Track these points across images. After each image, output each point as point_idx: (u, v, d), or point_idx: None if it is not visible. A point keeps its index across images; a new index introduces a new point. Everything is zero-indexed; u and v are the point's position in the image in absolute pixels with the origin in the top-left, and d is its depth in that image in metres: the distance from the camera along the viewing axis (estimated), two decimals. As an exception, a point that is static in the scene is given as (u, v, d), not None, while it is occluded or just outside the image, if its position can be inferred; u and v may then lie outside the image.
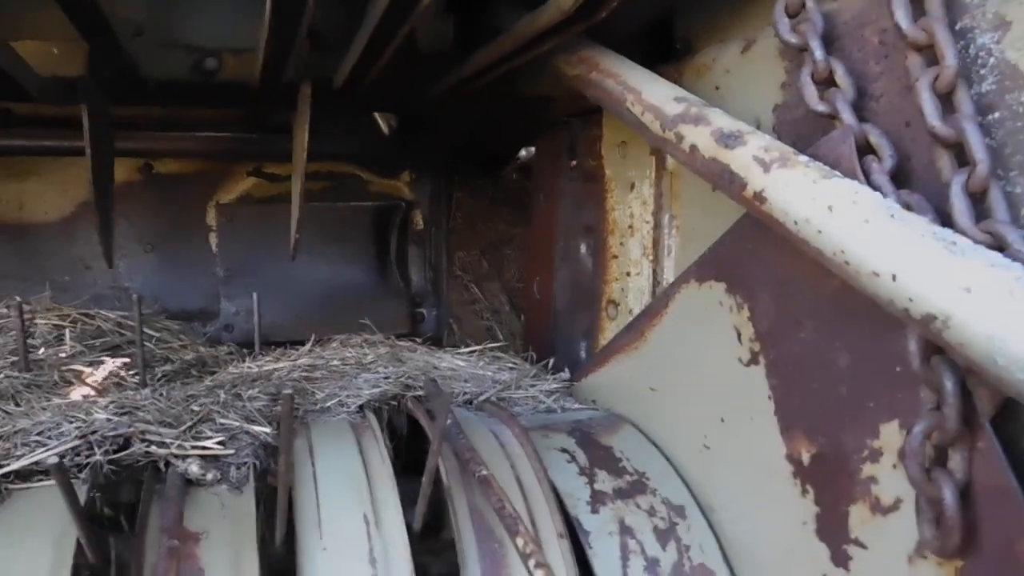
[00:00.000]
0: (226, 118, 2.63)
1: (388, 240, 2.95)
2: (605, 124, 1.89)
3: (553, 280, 2.27)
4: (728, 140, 1.19)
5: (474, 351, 2.01)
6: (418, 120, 2.77)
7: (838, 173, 1.05)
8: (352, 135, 2.78)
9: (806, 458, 1.20)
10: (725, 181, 1.18)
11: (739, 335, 1.35)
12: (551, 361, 2.10)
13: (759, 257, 1.29)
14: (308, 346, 1.90)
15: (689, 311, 1.49)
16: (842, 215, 0.98)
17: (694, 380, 1.48)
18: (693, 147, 1.25)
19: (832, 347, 1.15)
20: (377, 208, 2.95)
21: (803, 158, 1.10)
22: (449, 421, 1.44)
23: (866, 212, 0.96)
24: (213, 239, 2.82)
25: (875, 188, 1.05)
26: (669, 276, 1.67)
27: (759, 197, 1.12)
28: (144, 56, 1.90)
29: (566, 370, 2.04)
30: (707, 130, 1.24)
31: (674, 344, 1.54)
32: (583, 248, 2.14)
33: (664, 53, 1.72)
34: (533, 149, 3.27)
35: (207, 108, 2.42)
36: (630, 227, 1.79)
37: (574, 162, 2.18)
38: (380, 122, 2.74)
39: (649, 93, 1.38)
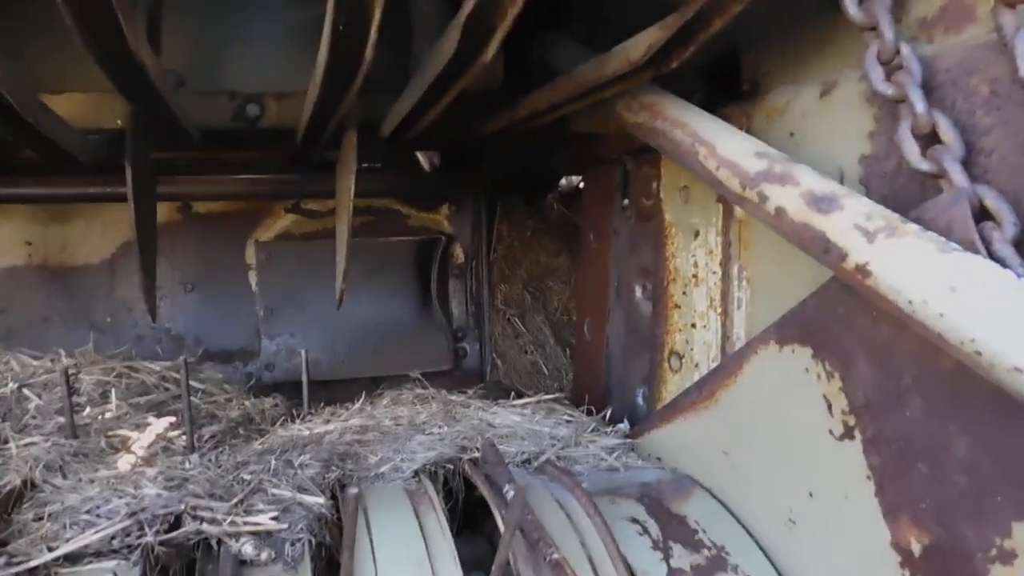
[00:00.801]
0: (265, 157, 2.58)
1: (429, 274, 2.88)
2: (664, 166, 1.80)
3: (606, 322, 2.18)
4: (822, 204, 1.09)
5: (528, 403, 1.92)
6: (460, 155, 2.70)
7: (957, 246, 0.94)
8: (393, 171, 2.72)
9: (917, 549, 1.09)
10: (819, 249, 1.08)
11: (829, 406, 1.24)
12: (608, 413, 2.00)
13: (853, 324, 1.19)
14: (358, 405, 1.82)
15: (768, 375, 1.38)
16: (970, 297, 0.87)
17: (775, 448, 1.37)
18: (780, 210, 1.14)
19: (946, 430, 1.04)
20: (417, 242, 2.88)
21: (913, 227, 0.99)
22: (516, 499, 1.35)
23: (1000, 295, 0.85)
24: (252, 277, 2.77)
25: (997, 261, 0.94)
26: (739, 331, 1.56)
27: (862, 271, 1.01)
28: (186, 106, 1.84)
29: (625, 422, 1.94)
30: (795, 191, 1.13)
31: (751, 408, 1.44)
32: (639, 291, 2.04)
33: (728, 90, 1.62)
34: (576, 179, 3.21)
35: (248, 151, 2.37)
36: (694, 276, 1.69)
37: (627, 201, 2.09)
38: (422, 159, 2.67)
39: (725, 147, 1.28)
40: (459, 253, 2.94)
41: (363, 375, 2.83)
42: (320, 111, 1.50)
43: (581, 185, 3.16)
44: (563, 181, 3.21)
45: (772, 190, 1.16)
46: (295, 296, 2.80)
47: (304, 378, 1.88)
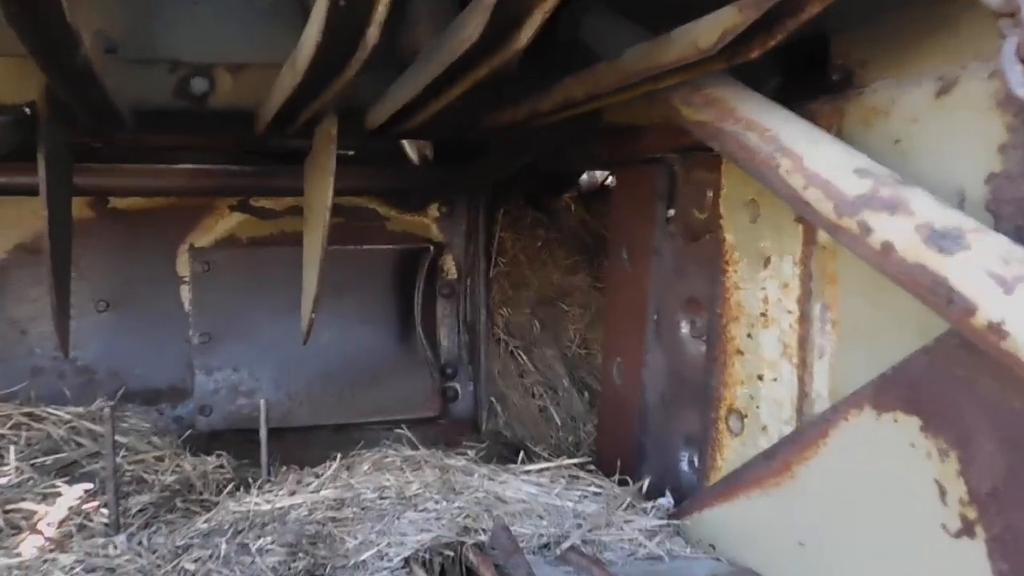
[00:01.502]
0: (207, 143, 2.57)
1: (411, 294, 2.88)
2: (725, 171, 1.80)
3: (641, 364, 2.18)
4: (943, 241, 1.09)
5: (546, 469, 1.92)
6: (460, 146, 2.70)
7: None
8: (369, 161, 2.72)
9: None
10: (939, 299, 1.08)
11: (943, 493, 1.24)
12: (644, 483, 2.00)
13: (977, 391, 1.19)
14: (332, 470, 1.81)
15: (861, 448, 1.38)
16: None
17: (868, 543, 1.37)
18: (887, 246, 1.15)
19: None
20: (397, 253, 2.90)
21: (1064, 277, 1.00)
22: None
23: None
24: (185, 293, 2.76)
25: None
26: (821, 388, 1.57)
27: (996, 330, 1.02)
28: (117, 78, 1.83)
29: (667, 496, 1.94)
30: (909, 223, 1.14)
31: (836, 489, 1.44)
32: (685, 327, 2.05)
33: (810, 79, 1.63)
34: (599, 174, 3.22)
35: (192, 137, 2.36)
36: (763, 315, 1.69)
37: (672, 212, 2.10)
38: (409, 150, 2.68)
39: (815, 159, 1.28)
40: (450, 267, 2.94)
41: (326, 422, 2.83)
42: (299, 95, 1.50)
43: (608, 182, 3.17)
44: (584, 177, 3.22)
45: (877, 220, 1.17)
46: (240, 319, 2.79)
47: (263, 434, 1.87)
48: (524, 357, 2.94)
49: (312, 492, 1.72)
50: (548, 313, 3.01)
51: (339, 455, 1.92)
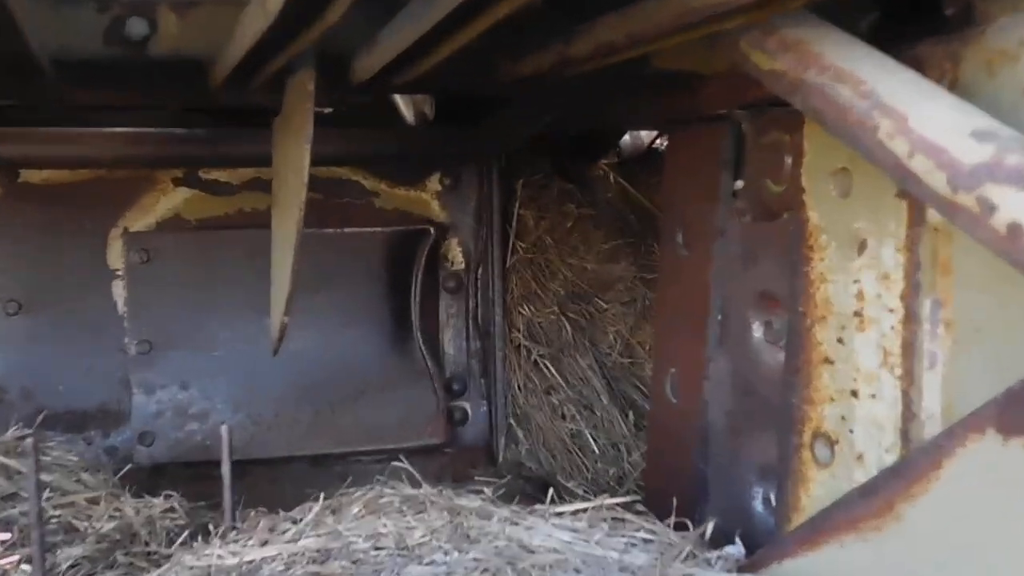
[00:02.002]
0: (145, 100, 2.60)
1: (407, 288, 2.93)
2: (808, 132, 1.83)
3: (702, 376, 2.22)
4: (1088, 222, 1.12)
5: (582, 510, 1.96)
6: (469, 103, 2.74)
7: None
8: (353, 122, 2.76)
9: None
10: (1083, 293, 1.11)
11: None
12: (708, 527, 2.03)
13: None
14: (313, 513, 1.86)
15: (983, 481, 1.41)
16: None
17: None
18: (1015, 228, 1.18)
19: None
20: (388, 237, 2.94)
21: None
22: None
23: None
24: (119, 291, 2.82)
25: None
26: (933, 406, 1.60)
27: None
28: (34, 20, 1.87)
29: (737, 543, 1.97)
30: (1044, 198, 1.17)
31: (953, 532, 1.46)
32: (758, 330, 2.08)
33: (916, 16, 1.65)
34: (645, 135, 3.25)
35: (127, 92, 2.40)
36: (857, 315, 1.72)
37: (740, 183, 2.13)
38: (402, 107, 2.71)
39: (923, 119, 1.31)
40: (456, 254, 2.99)
41: (301, 452, 2.89)
42: (268, 41, 1.54)
43: (657, 144, 3.21)
44: (626, 137, 3.26)
45: (1003, 195, 1.19)
46: (189, 322, 2.84)
47: (225, 469, 1.91)
48: (551, 368, 2.98)
49: (289, 541, 1.76)
50: (581, 312, 3.05)
51: (322, 495, 1.96)
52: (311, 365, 2.90)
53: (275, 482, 2.79)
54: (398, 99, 2.72)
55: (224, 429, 1.95)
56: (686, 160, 2.31)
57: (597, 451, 2.90)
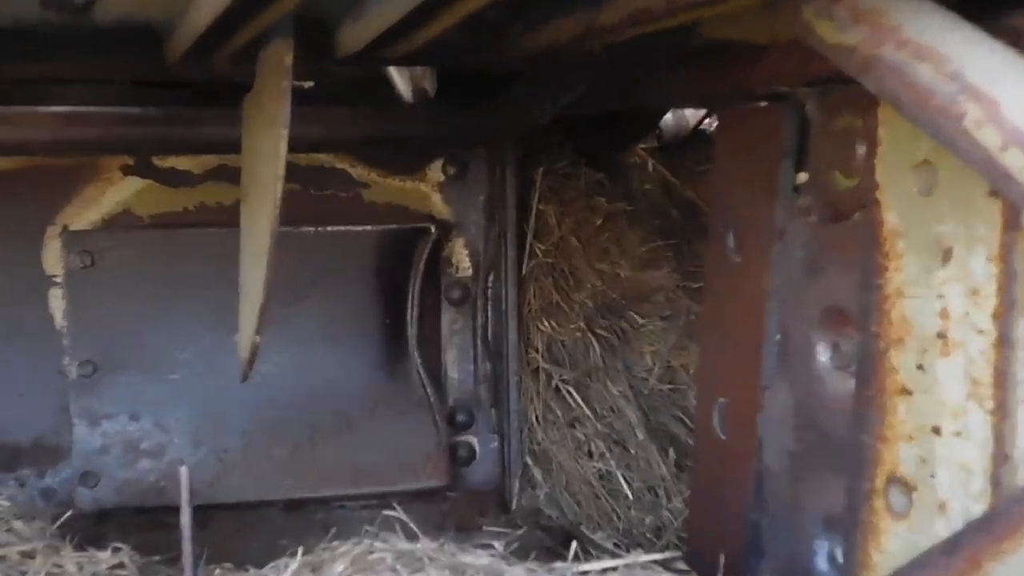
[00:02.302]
0: (90, 73, 2.61)
1: (403, 299, 2.96)
2: (885, 118, 1.86)
3: (756, 408, 2.24)
4: None
5: (611, 569, 1.99)
6: (478, 77, 2.76)
7: None
8: (339, 100, 2.77)
9: None
10: None
11: None
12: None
13: None
14: (291, 571, 1.89)
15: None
16: None
17: None
18: None
19: None
20: (380, 237, 2.97)
21: None
22: None
23: None
24: (57, 301, 2.85)
25: None
26: (1031, 446, 1.62)
27: None
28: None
29: (798, 607, 2.00)
30: None
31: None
32: (823, 353, 2.10)
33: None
34: (690, 114, 3.28)
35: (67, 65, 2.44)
36: (941, 337, 1.74)
37: (803, 176, 2.15)
38: (399, 81, 2.73)
39: (1018, 104, 1.33)
40: (462, 258, 3.00)
41: (274, 496, 2.93)
42: (236, 9, 1.57)
43: (705, 126, 3.23)
44: (667, 116, 3.27)
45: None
46: (141, 340, 2.87)
47: (185, 518, 1.95)
48: (576, 396, 3.00)
49: None
50: (613, 328, 3.07)
51: (300, 549, 1.99)
52: (287, 392, 2.93)
53: (243, 532, 2.81)
54: (393, 72, 2.73)
55: (183, 470, 1.97)
56: (739, 147, 2.32)
57: (631, 496, 2.91)
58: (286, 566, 1.94)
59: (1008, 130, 1.33)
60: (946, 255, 1.73)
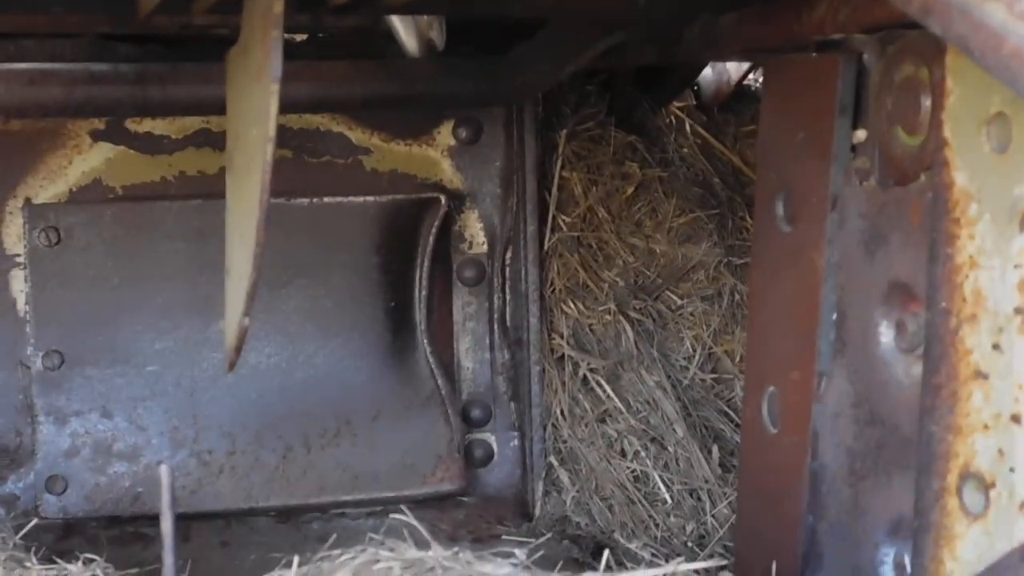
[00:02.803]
0: (52, 25, 2.63)
1: (410, 279, 2.99)
2: (952, 68, 1.86)
3: (812, 398, 2.24)
4: None
5: (648, 578, 1.99)
6: (497, 29, 2.77)
7: None
8: (335, 54, 2.78)
9: None
10: None
11: None
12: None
13: None
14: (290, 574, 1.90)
15: None
16: None
17: None
18: None
19: None
20: (384, 209, 2.99)
21: None
22: None
23: None
24: (19, 285, 2.89)
25: None
26: (1125, 436, 1.63)
27: None
28: None
29: (859, 621, 2.01)
30: None
31: None
32: (886, 334, 2.10)
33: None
34: (734, 69, 3.28)
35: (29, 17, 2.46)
36: (1019, 312, 1.74)
37: (862, 133, 2.15)
38: (401, 32, 2.74)
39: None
40: (476, 232, 3.02)
41: (266, 503, 2.96)
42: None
43: (750, 80, 3.23)
44: (706, 71, 3.27)
45: None
46: (113, 327, 2.91)
47: (166, 525, 1.96)
48: (607, 387, 3.01)
49: None
50: (647, 310, 3.08)
51: (296, 559, 1.99)
52: (278, 386, 2.96)
53: (230, 545, 2.82)
54: (396, 22, 2.73)
55: (163, 469, 1.97)
56: (788, 103, 2.32)
57: (670, 500, 2.92)
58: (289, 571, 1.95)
59: (1091, 75, 1.34)
60: None
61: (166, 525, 1.95)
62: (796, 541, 2.27)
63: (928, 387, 1.92)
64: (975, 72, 1.79)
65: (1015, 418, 1.75)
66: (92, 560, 2.18)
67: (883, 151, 2.09)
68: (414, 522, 2.24)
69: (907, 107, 2.01)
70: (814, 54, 2.23)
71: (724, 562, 2.16)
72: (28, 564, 2.15)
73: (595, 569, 2.09)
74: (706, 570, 2.07)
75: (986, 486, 1.80)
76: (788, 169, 2.32)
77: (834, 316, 2.21)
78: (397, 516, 2.22)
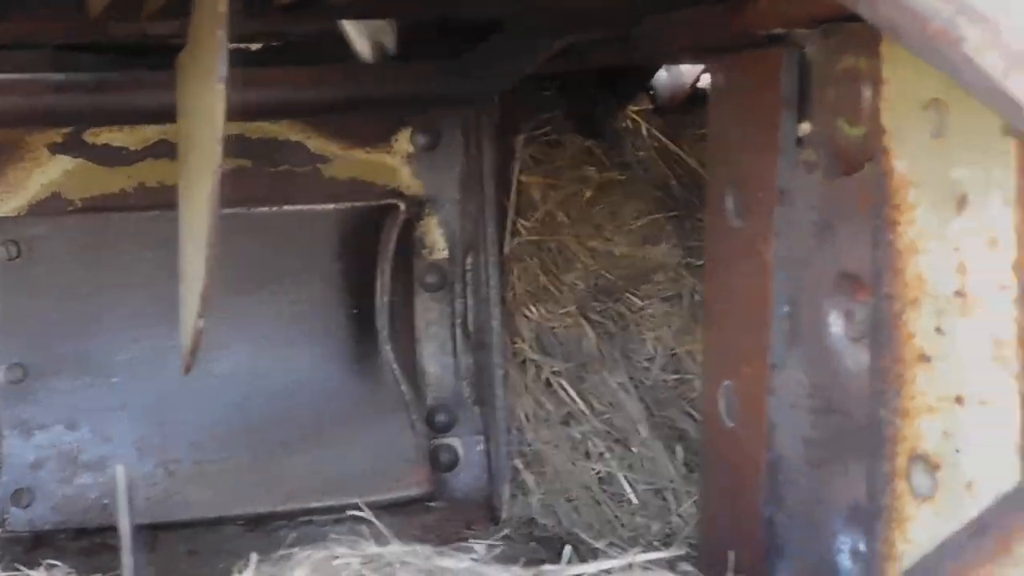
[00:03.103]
0: (12, 34, 2.64)
1: (371, 286, 3.00)
2: (888, 55, 1.88)
3: (766, 390, 2.25)
4: None
5: (605, 571, 2.01)
6: (450, 32, 2.78)
7: None
8: (292, 59, 2.79)
9: None
10: None
11: None
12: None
13: None
14: (248, 572, 1.92)
15: None
16: None
17: None
18: None
19: None
20: (344, 217, 3.01)
21: None
22: None
23: None
24: (-21, 299, 2.90)
25: None
26: (1061, 412, 1.64)
27: None
28: None
29: (815, 605, 2.02)
30: None
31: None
32: (836, 323, 2.11)
33: None
34: (689, 71, 3.31)
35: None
36: (959, 294, 1.76)
37: (807, 126, 2.17)
38: (355, 37, 2.76)
39: (1019, 25, 1.37)
40: (437, 238, 3.03)
41: (233, 511, 2.97)
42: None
43: (704, 83, 3.25)
44: (661, 74, 3.30)
45: None
46: (77, 338, 2.92)
47: (123, 524, 1.98)
48: (570, 390, 3.02)
49: None
50: (609, 312, 3.09)
51: (254, 555, 2.00)
52: (243, 394, 2.98)
53: (199, 554, 2.82)
54: (347, 27, 2.75)
55: (119, 471, 1.99)
56: (735, 99, 2.34)
57: (635, 501, 2.93)
58: (239, 572, 1.96)
59: (1012, 54, 1.36)
60: (961, 202, 1.75)
61: (123, 525, 1.97)
62: (758, 533, 2.28)
63: (876, 372, 1.94)
64: (909, 59, 1.81)
65: (958, 399, 1.78)
66: (55, 565, 2.19)
67: (828, 143, 2.11)
68: (372, 519, 2.25)
69: (849, 98, 2.03)
70: (758, 49, 2.24)
71: (682, 551, 2.17)
72: (-3, 569, 2.15)
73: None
74: (666, 560, 2.08)
75: (933, 468, 1.82)
76: (737, 164, 2.35)
77: (786, 308, 2.22)
78: (355, 513, 2.23)
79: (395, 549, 2.02)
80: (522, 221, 3.07)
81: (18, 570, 2.21)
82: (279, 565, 2.02)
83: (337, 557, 1.99)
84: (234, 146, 2.88)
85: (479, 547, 2.15)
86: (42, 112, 2.69)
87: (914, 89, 1.82)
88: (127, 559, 1.98)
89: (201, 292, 1.98)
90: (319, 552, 2.01)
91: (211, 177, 1.87)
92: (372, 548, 2.01)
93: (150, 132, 2.88)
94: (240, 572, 1.98)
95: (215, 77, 1.81)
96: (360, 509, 2.53)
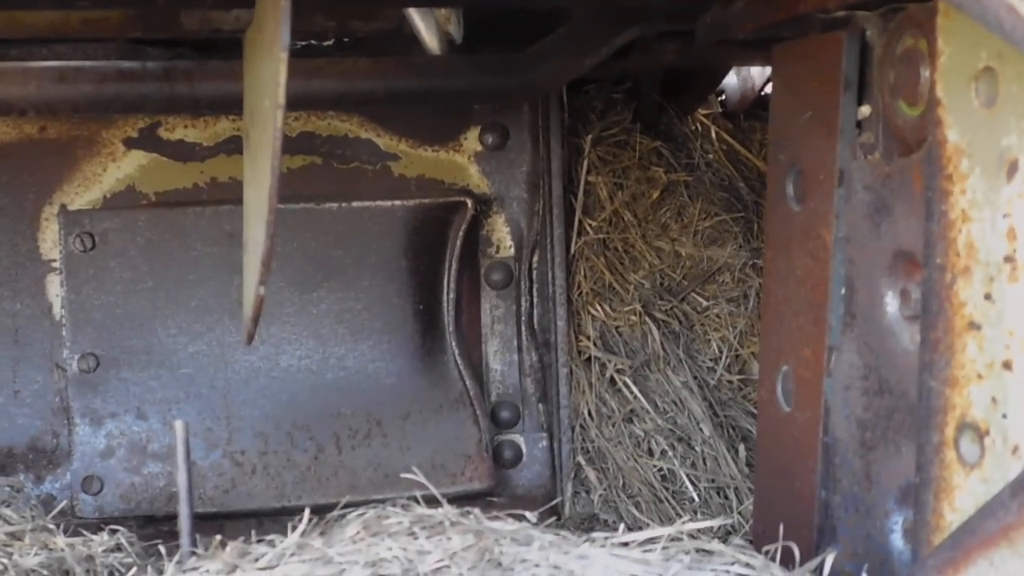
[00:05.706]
0: (82, 28, 2.68)
1: (438, 283, 3.05)
2: (943, 28, 1.90)
3: (823, 373, 2.27)
4: None
5: (651, 538, 2.02)
6: (514, 18, 2.81)
7: None
8: (357, 55, 2.82)
9: None
10: None
11: None
12: (825, 560, 2.08)
13: None
14: (296, 534, 1.95)
15: None
16: None
17: None
18: None
19: None
20: (411, 214, 3.04)
21: None
22: None
23: None
24: (55, 289, 2.96)
25: None
26: (1108, 376, 1.66)
27: None
28: None
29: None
30: None
31: None
32: (892, 303, 2.12)
33: None
34: (757, 73, 3.33)
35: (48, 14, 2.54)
36: (1009, 260, 1.77)
37: (866, 109, 2.20)
38: (421, 28, 2.79)
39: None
40: (503, 236, 3.08)
41: (298, 502, 3.02)
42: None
43: (766, 85, 3.28)
44: (730, 79, 3.32)
45: None
46: (147, 330, 2.98)
47: (182, 476, 2.01)
48: (634, 388, 3.03)
49: (263, 569, 1.85)
50: (674, 312, 3.10)
51: (307, 510, 2.04)
52: (309, 388, 3.01)
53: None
54: (416, 19, 2.77)
55: (179, 425, 2.02)
56: (796, 84, 2.37)
57: (697, 499, 2.94)
58: (292, 530, 1.99)
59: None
60: (1011, 169, 1.77)
61: (182, 479, 2.01)
62: (811, 516, 2.30)
63: (926, 343, 1.95)
64: (964, 29, 1.84)
65: (1006, 364, 1.79)
66: (116, 530, 2.24)
67: (886, 124, 2.14)
68: (424, 480, 2.27)
69: (908, 79, 2.06)
70: (819, 34, 2.27)
71: (730, 519, 2.19)
72: (56, 534, 2.20)
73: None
74: (712, 529, 2.10)
75: (980, 435, 1.83)
76: (797, 148, 2.37)
77: (843, 290, 2.24)
78: (406, 476, 2.25)
79: (445, 510, 2.04)
80: (588, 220, 3.10)
81: (76, 535, 2.26)
82: (332, 523, 2.06)
83: (388, 516, 2.02)
84: (304, 143, 2.97)
85: (529, 514, 2.17)
86: (110, 99, 2.70)
87: (967, 59, 1.85)
88: (184, 508, 2.01)
89: (262, 260, 1.99)
90: (371, 511, 2.04)
91: (271, 144, 1.91)
92: (423, 509, 2.04)
93: (223, 128, 2.96)
94: (293, 528, 2.01)
95: (279, 46, 1.85)
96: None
